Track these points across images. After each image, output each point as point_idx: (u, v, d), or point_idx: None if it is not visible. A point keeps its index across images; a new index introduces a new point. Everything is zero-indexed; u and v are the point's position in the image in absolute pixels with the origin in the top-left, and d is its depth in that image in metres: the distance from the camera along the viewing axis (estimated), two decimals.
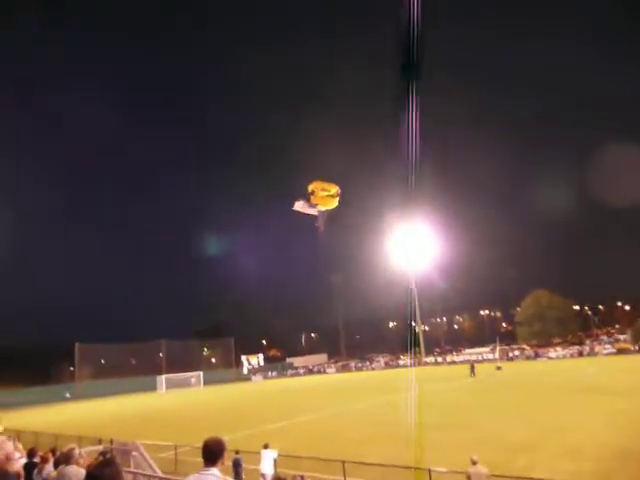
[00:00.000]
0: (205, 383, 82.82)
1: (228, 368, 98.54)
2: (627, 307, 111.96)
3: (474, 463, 10.02)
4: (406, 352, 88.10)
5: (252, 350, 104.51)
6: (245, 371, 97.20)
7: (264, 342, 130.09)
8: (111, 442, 17.43)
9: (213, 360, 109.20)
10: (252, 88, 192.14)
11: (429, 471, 10.78)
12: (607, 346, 65.88)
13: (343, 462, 12.46)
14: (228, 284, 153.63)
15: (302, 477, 4.96)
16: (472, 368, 46.43)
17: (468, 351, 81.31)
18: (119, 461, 4.30)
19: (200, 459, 3.78)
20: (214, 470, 3.67)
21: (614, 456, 13.51)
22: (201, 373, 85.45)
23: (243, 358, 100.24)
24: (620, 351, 61.76)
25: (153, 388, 79.14)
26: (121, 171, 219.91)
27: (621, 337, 74.34)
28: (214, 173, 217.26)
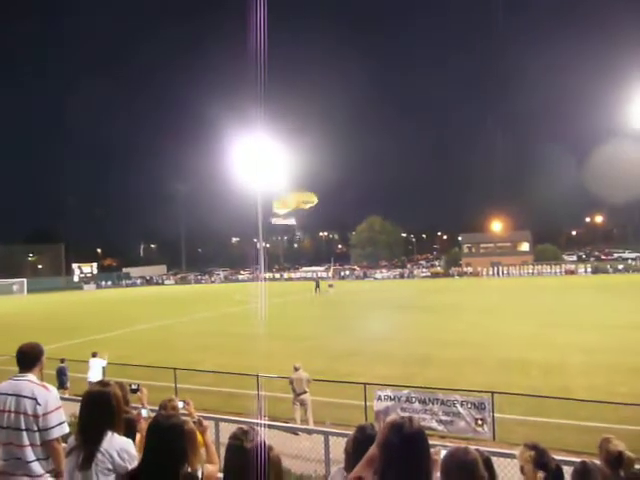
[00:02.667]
0: (30, 291, 76.68)
1: (57, 276, 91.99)
2: (445, 237, 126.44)
3: (296, 369, 11.05)
4: (246, 267, 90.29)
5: (86, 259, 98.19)
6: (76, 279, 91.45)
7: (99, 251, 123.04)
8: None
9: (40, 267, 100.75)
10: None
11: (257, 377, 11.66)
12: (424, 270, 74.69)
13: (175, 369, 12.84)
14: (59, 186, 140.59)
15: (138, 386, 5.07)
16: (317, 285, 48.78)
17: (305, 269, 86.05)
18: None
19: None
20: (30, 376, 3.60)
21: (417, 362, 15.87)
22: (25, 280, 78.74)
23: (74, 266, 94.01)
24: (434, 275, 70.55)
25: None
26: None
27: (436, 263, 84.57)
28: None
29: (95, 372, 13.18)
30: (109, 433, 2.92)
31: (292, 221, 62.51)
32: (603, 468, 3.20)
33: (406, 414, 9.51)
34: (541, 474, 2.93)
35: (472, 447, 2.61)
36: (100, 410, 2.96)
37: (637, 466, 3.42)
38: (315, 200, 44.14)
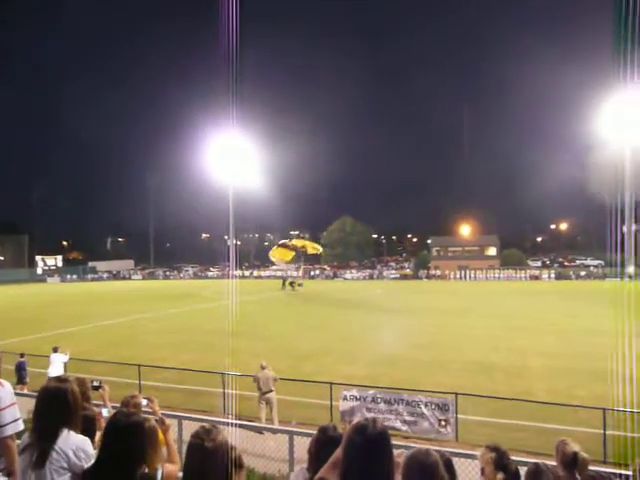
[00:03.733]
0: None
1: (20, 268, 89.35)
2: (414, 239, 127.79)
3: (263, 368, 11.01)
4: (216, 264, 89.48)
5: (51, 251, 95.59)
6: (40, 272, 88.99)
7: (65, 243, 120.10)
8: None
9: (2, 258, 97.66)
10: None
11: (222, 375, 11.57)
12: (393, 272, 75.37)
13: (139, 365, 12.64)
14: (25, 177, 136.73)
15: (100, 382, 4.93)
16: (284, 283, 50.04)
17: (275, 267, 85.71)
18: None
19: None
20: None
21: (384, 363, 15.98)
22: None
23: (38, 258, 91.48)
24: (403, 276, 71.25)
25: None
26: None
27: (405, 264, 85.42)
28: None
29: (56, 368, 12.87)
30: (65, 431, 2.83)
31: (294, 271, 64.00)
32: (557, 470, 3.27)
33: (371, 414, 9.58)
34: (500, 475, 2.98)
35: (433, 448, 2.63)
36: (56, 407, 2.87)
37: (591, 467, 3.51)
38: (321, 250, 46.62)
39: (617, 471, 3.86)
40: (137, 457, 2.50)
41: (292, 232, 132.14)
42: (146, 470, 2.54)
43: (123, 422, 2.56)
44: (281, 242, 50.62)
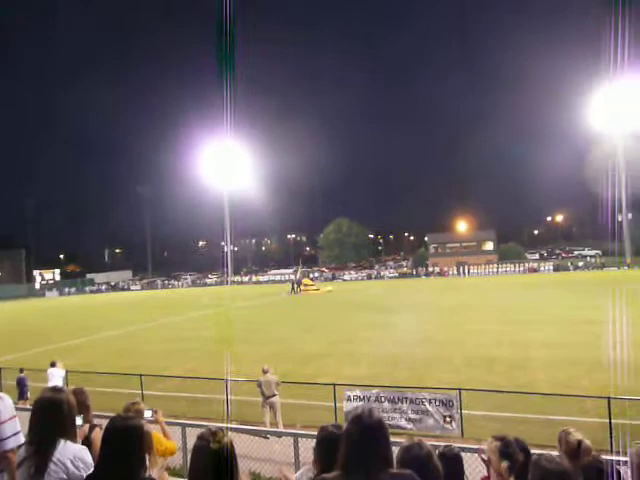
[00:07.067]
0: None
1: (18, 283, 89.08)
2: (412, 237, 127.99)
3: (265, 372, 10.97)
4: (214, 271, 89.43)
5: (48, 265, 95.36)
6: (38, 286, 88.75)
7: (62, 256, 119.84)
8: None
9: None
10: None
11: (226, 381, 11.52)
12: (392, 270, 75.43)
13: (141, 375, 12.58)
14: (20, 190, 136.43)
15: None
16: (293, 286, 50.73)
17: (273, 272, 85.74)
18: None
19: None
20: None
21: (387, 363, 15.91)
22: None
23: (36, 272, 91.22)
24: (401, 275, 71.28)
25: None
26: None
27: (404, 263, 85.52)
28: None
29: (55, 382, 12.74)
30: (62, 441, 2.80)
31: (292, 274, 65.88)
32: (563, 460, 3.27)
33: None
34: (505, 464, 3.01)
35: (441, 444, 2.68)
36: (51, 417, 2.84)
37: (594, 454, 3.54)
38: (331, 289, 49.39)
39: (623, 459, 3.87)
40: (137, 460, 2.49)
41: (289, 235, 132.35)
42: (147, 474, 2.53)
43: (121, 426, 2.55)
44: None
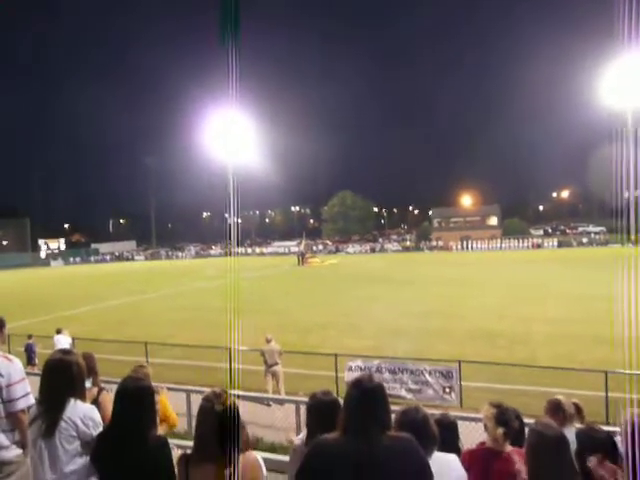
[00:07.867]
0: None
1: (23, 252, 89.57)
2: (416, 211, 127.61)
3: (268, 341, 11.13)
4: (218, 242, 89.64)
5: (53, 234, 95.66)
6: (43, 255, 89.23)
7: (67, 226, 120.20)
8: None
9: (5, 243, 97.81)
10: None
11: (229, 349, 11.67)
12: (395, 244, 75.46)
13: (145, 343, 12.78)
14: (25, 160, 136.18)
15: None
16: (299, 258, 51.61)
17: (277, 244, 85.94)
18: None
19: None
20: None
21: (388, 334, 16.09)
22: None
23: (41, 242, 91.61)
24: (405, 249, 71.36)
25: None
26: None
27: (407, 237, 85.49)
28: None
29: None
30: (72, 400, 2.90)
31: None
32: (547, 420, 3.41)
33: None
34: (501, 430, 3.08)
35: (437, 412, 2.75)
36: (60, 377, 2.93)
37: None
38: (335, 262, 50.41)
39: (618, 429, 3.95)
40: (148, 419, 2.59)
41: (292, 208, 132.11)
42: (157, 432, 2.62)
43: (133, 386, 2.64)
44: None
